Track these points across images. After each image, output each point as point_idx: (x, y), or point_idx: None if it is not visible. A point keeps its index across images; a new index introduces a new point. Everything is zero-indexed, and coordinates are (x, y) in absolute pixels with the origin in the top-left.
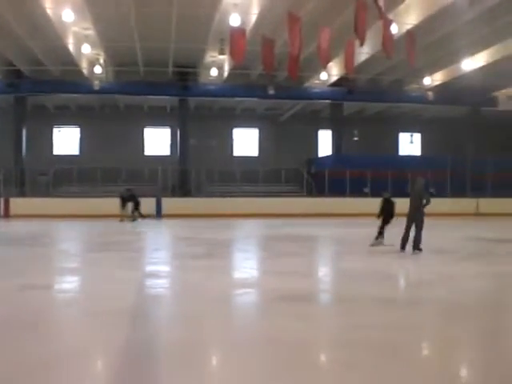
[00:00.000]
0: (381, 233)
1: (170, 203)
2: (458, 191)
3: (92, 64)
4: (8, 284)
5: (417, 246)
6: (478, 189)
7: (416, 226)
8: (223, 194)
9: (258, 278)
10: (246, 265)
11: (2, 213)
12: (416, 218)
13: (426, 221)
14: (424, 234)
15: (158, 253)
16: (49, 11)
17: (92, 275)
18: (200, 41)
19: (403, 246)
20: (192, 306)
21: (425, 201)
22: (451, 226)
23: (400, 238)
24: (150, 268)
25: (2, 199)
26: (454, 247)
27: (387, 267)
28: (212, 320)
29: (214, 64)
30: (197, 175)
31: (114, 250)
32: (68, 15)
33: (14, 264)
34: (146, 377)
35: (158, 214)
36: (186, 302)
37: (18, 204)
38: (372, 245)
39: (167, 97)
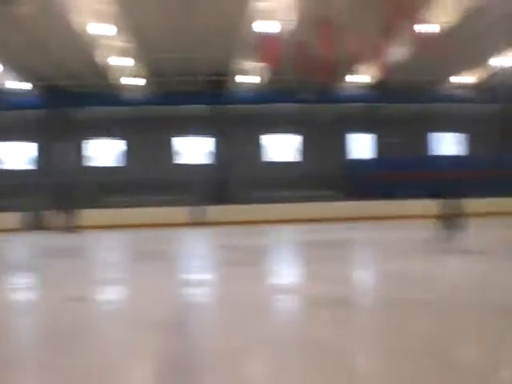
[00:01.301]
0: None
1: (210, 211)
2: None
3: (128, 76)
4: (52, 295)
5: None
6: None
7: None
8: (261, 201)
9: (298, 283)
10: (285, 271)
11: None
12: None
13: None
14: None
15: (198, 261)
16: (86, 26)
17: (134, 285)
18: (232, 48)
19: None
20: (233, 313)
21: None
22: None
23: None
24: (189, 276)
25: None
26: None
27: (431, 270)
28: (253, 327)
29: (247, 71)
30: (235, 182)
31: (153, 259)
32: (105, 29)
33: (57, 276)
34: None
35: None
36: (226, 310)
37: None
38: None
39: (202, 105)
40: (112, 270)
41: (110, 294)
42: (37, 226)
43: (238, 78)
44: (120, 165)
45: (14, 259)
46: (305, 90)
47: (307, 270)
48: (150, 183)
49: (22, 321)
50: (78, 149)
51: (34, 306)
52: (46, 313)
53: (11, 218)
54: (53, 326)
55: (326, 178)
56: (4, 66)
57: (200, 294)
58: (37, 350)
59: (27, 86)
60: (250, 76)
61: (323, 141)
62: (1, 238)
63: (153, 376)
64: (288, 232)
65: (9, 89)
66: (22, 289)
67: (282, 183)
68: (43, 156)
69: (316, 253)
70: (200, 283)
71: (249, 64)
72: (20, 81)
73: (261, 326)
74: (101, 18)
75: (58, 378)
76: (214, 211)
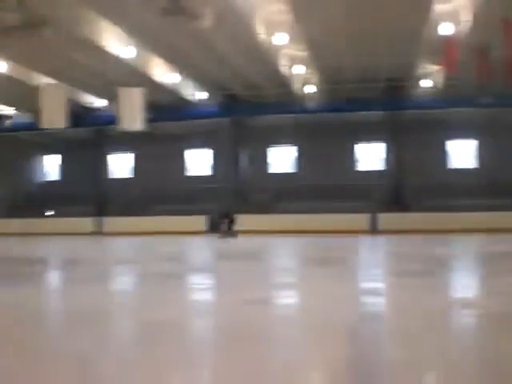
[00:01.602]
0: None
1: (385, 219)
2: None
3: (305, 84)
4: (232, 298)
5: None
6: None
7: None
8: (440, 209)
9: (479, 297)
10: (465, 283)
11: (226, 229)
12: None
13: None
14: None
15: (375, 269)
16: (262, 36)
17: (309, 291)
18: (410, 53)
19: None
20: (408, 324)
21: None
22: None
23: None
24: (366, 285)
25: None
26: None
27: None
28: (429, 340)
29: (425, 76)
30: (412, 190)
31: (329, 266)
32: (281, 38)
33: (236, 279)
34: None
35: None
36: (402, 321)
37: (238, 220)
38: None
39: (379, 112)
40: (288, 274)
41: (288, 299)
42: (216, 229)
43: (417, 83)
44: (294, 171)
45: (195, 261)
46: (485, 94)
47: (490, 283)
48: (324, 190)
49: (202, 321)
50: (258, 156)
51: (214, 307)
52: (225, 314)
53: (196, 221)
54: (232, 327)
55: (508, 186)
56: (184, 76)
57: (376, 303)
58: (214, 350)
59: (206, 95)
60: (428, 80)
61: (505, 146)
62: (183, 240)
63: (329, 382)
64: (467, 242)
65: (191, 99)
66: (203, 290)
67: (459, 191)
68: (223, 163)
69: (498, 265)
70: (375, 292)
71: (427, 68)
72: (200, 91)
73: (437, 340)
74: (279, 27)
75: (236, 379)
76: (389, 219)
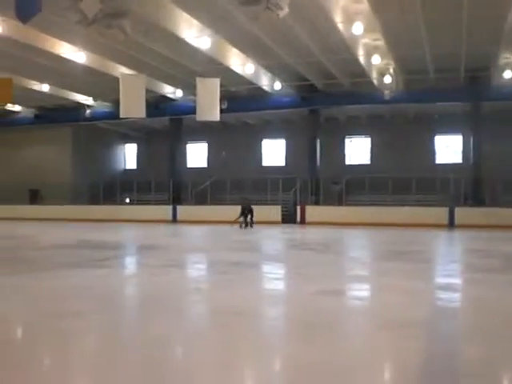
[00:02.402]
0: None
1: (462, 213)
2: None
3: (382, 74)
4: (305, 289)
5: None
6: None
7: None
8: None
9: None
10: None
11: (299, 219)
12: None
13: None
14: None
15: (450, 265)
16: (339, 25)
17: (382, 284)
18: (492, 42)
19: None
20: (485, 321)
21: None
22: None
23: None
24: (441, 280)
25: (299, 207)
26: None
27: None
28: (507, 338)
29: (507, 66)
30: (491, 184)
31: (404, 259)
32: (358, 28)
33: (309, 269)
34: None
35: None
36: (479, 317)
37: (312, 211)
38: None
39: (458, 103)
40: (362, 267)
41: (362, 291)
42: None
43: (499, 73)
44: (370, 163)
45: (268, 250)
46: None
47: None
48: (399, 182)
49: (274, 309)
50: (333, 147)
51: (287, 296)
52: (298, 303)
53: (271, 211)
54: (304, 317)
55: None
56: (261, 66)
57: (452, 298)
58: (285, 338)
59: (283, 85)
60: (510, 71)
61: None
62: (257, 229)
63: (395, 378)
64: None
65: (268, 89)
66: (276, 279)
67: None
68: (299, 153)
69: None
70: (452, 287)
71: (510, 58)
72: (277, 81)
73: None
74: (357, 17)
75: (304, 367)
76: (466, 213)
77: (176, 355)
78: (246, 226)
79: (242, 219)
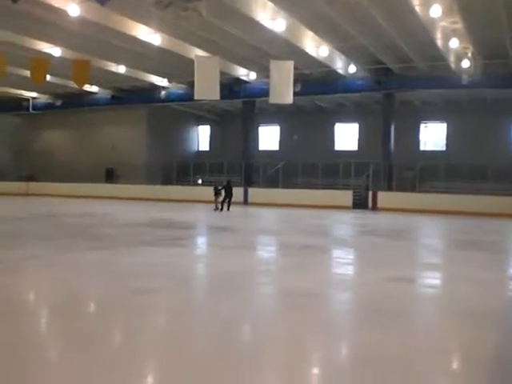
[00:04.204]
0: None
1: None
2: None
3: (459, 58)
4: (376, 275)
5: None
6: None
7: None
8: None
9: None
10: None
11: (371, 205)
12: None
13: None
14: None
15: None
16: (417, 8)
17: (454, 273)
18: None
19: None
20: None
21: None
22: None
23: None
24: None
25: (371, 192)
26: None
27: None
28: None
29: None
30: None
31: (478, 249)
32: (436, 11)
33: (380, 256)
34: None
35: None
36: None
37: (385, 197)
38: None
39: None
40: (434, 255)
41: (432, 279)
42: (361, 204)
43: None
44: (445, 149)
45: (340, 235)
46: None
47: None
48: (476, 169)
49: (344, 294)
50: (408, 132)
51: (356, 281)
52: (367, 289)
53: (342, 196)
54: (373, 303)
55: None
56: (336, 49)
57: None
58: (352, 322)
59: (358, 68)
60: None
61: None
62: (328, 213)
63: (466, 367)
64: None
65: (342, 72)
66: (347, 264)
67: None
68: (373, 138)
69: None
70: None
71: None
72: (351, 64)
73: None
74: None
75: (369, 352)
76: None
77: (245, 335)
78: (222, 209)
79: (219, 202)
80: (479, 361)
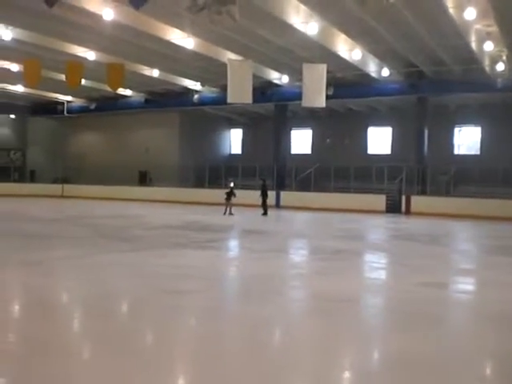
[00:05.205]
0: None
1: None
2: None
3: (494, 61)
4: (409, 279)
5: None
6: None
7: None
8: None
9: None
10: None
11: (404, 209)
12: None
13: None
14: None
15: None
16: (450, 10)
17: (487, 278)
18: None
19: None
20: None
21: None
22: None
23: None
24: None
25: (404, 196)
26: None
27: None
28: None
29: None
30: None
31: (510, 254)
32: (470, 13)
33: (413, 261)
34: None
35: None
36: None
37: (418, 202)
38: None
39: None
40: (467, 260)
41: (466, 285)
42: (394, 208)
43: None
44: (479, 153)
45: (373, 239)
46: None
47: None
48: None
49: (376, 299)
50: (442, 136)
51: (389, 286)
52: (399, 294)
53: (375, 200)
54: (405, 307)
55: None
56: (369, 52)
57: None
58: (384, 328)
59: (391, 72)
60: None
61: None
62: (360, 218)
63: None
64: None
65: (375, 75)
66: (380, 268)
67: None
68: (406, 141)
69: None
70: None
71: None
72: (385, 67)
73: None
74: (470, 2)
75: (403, 359)
76: None
77: (275, 337)
78: (225, 213)
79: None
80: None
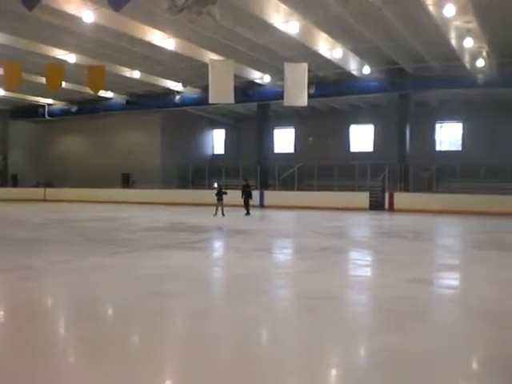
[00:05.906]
0: None
1: None
2: None
3: (474, 57)
4: (395, 276)
5: None
6: None
7: None
8: None
9: None
10: None
11: (387, 206)
12: None
13: None
14: None
15: None
16: (430, 8)
17: (474, 273)
18: None
19: None
20: None
21: None
22: None
23: None
24: None
25: (387, 193)
26: None
27: None
28: None
29: None
30: None
31: (497, 248)
32: (449, 10)
33: (398, 257)
34: None
35: None
36: None
37: (401, 198)
38: None
39: None
40: (453, 256)
41: (452, 280)
42: (377, 205)
43: None
44: (460, 149)
45: (357, 237)
46: None
47: None
48: (491, 169)
49: (362, 296)
50: (423, 132)
51: (376, 283)
52: (386, 291)
53: (358, 198)
54: (392, 305)
55: None
56: (350, 50)
57: None
58: (370, 324)
59: (372, 70)
60: None
61: None
62: (343, 215)
63: (485, 369)
64: None
65: (356, 73)
66: (365, 266)
67: None
68: (388, 139)
69: None
70: None
71: None
72: (365, 65)
73: None
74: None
75: (391, 357)
76: None
77: (263, 337)
78: (215, 214)
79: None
80: (500, 362)
